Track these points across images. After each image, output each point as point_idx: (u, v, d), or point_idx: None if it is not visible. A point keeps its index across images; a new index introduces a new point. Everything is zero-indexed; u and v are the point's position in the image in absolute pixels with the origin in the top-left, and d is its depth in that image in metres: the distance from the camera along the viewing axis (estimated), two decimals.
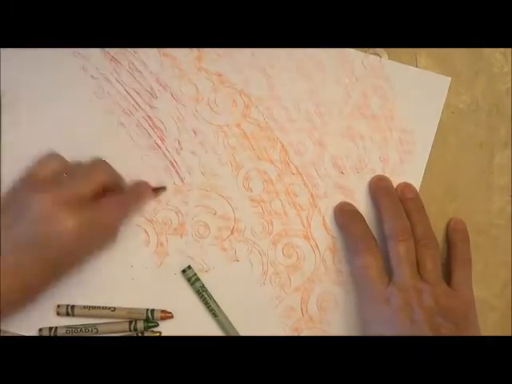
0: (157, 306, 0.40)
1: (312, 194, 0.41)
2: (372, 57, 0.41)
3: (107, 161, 0.39)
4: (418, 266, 0.38)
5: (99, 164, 0.38)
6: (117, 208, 0.37)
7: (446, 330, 0.35)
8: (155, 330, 0.40)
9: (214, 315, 0.40)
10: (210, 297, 0.40)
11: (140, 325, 0.40)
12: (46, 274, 0.35)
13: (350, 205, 0.41)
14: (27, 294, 0.35)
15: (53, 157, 0.38)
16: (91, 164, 0.38)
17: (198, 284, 0.40)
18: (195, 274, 0.40)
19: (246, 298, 0.41)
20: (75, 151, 0.40)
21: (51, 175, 0.36)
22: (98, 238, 0.37)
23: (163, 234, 0.41)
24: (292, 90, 0.41)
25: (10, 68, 0.40)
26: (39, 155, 0.38)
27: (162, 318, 0.40)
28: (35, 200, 0.34)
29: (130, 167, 0.40)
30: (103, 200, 0.36)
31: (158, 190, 0.40)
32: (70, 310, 0.40)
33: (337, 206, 0.41)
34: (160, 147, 0.41)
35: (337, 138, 0.41)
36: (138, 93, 0.41)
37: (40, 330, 0.40)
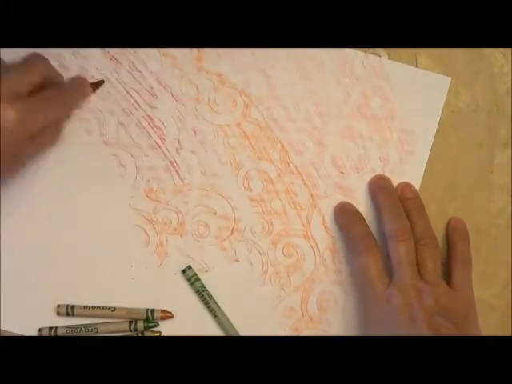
0: (157, 305, 0.40)
1: (312, 194, 0.41)
2: (372, 57, 0.41)
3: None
4: (418, 266, 0.38)
5: (36, 60, 0.37)
6: (56, 101, 0.37)
7: (447, 330, 0.35)
8: (155, 329, 0.40)
9: (214, 315, 0.40)
10: (210, 297, 0.40)
11: (140, 325, 0.40)
12: None
13: (350, 205, 0.41)
14: None
15: None
16: (27, 61, 0.37)
17: (197, 284, 0.40)
18: (195, 274, 0.40)
19: (246, 297, 0.41)
20: (75, 151, 0.40)
21: None
22: (39, 132, 0.36)
23: (163, 233, 0.41)
24: (292, 90, 0.41)
25: None
26: None
27: (162, 318, 0.40)
28: None
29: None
30: (41, 93, 0.36)
31: (96, 85, 0.40)
32: (69, 310, 0.40)
33: (337, 206, 0.41)
34: (160, 147, 0.41)
35: (337, 138, 0.41)
36: (138, 92, 0.41)
37: (40, 329, 0.40)
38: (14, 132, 0.34)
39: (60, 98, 0.38)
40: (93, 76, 0.40)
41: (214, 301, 0.40)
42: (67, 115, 0.40)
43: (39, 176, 0.40)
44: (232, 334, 0.40)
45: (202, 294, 0.40)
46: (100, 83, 0.40)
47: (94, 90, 0.40)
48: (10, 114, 0.33)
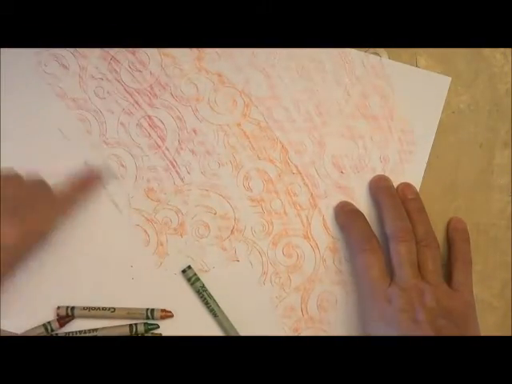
0: (157, 305, 0.40)
1: (312, 194, 0.41)
2: (372, 57, 0.41)
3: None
4: (419, 267, 0.38)
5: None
6: (56, 210, 0.37)
7: (447, 331, 0.35)
8: (155, 332, 0.40)
9: (214, 315, 0.40)
10: (210, 297, 0.40)
11: (141, 328, 0.40)
12: None
13: (351, 204, 0.41)
14: None
15: None
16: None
17: (198, 284, 0.40)
18: (195, 274, 0.40)
19: (246, 297, 0.41)
20: (75, 151, 0.41)
21: None
22: (35, 240, 0.37)
23: (163, 233, 0.41)
24: (292, 90, 0.41)
25: (10, 68, 0.40)
26: None
27: (162, 318, 0.40)
28: None
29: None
30: (45, 203, 0.36)
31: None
32: (69, 312, 0.40)
33: (337, 206, 0.41)
34: (160, 147, 0.41)
35: (337, 138, 0.41)
36: (138, 92, 0.41)
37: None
38: (12, 247, 0.34)
39: (59, 206, 0.38)
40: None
41: (214, 301, 0.40)
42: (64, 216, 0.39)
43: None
44: (232, 334, 0.40)
45: (202, 293, 0.40)
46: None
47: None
48: (9, 233, 0.34)
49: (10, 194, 0.35)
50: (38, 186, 0.37)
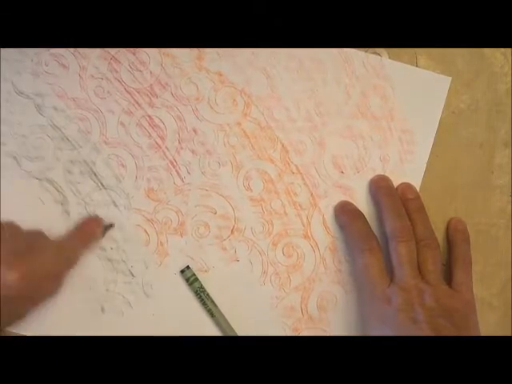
0: (157, 304, 0.40)
1: (312, 194, 0.41)
2: (372, 56, 0.41)
3: None
4: (419, 267, 0.38)
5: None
6: (58, 256, 0.37)
7: (447, 331, 0.35)
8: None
9: (212, 315, 0.40)
10: (208, 297, 0.40)
11: None
12: None
13: (351, 204, 0.41)
14: None
15: None
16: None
17: (196, 284, 0.40)
18: (193, 275, 0.40)
19: (246, 297, 0.41)
20: (76, 150, 0.41)
21: None
22: (39, 288, 0.36)
23: (163, 233, 0.41)
24: (292, 90, 0.41)
25: (10, 68, 0.40)
26: None
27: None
28: None
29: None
30: (40, 248, 0.36)
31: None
32: None
33: (338, 206, 0.41)
34: (160, 146, 0.41)
35: (337, 138, 0.41)
36: (138, 92, 0.41)
37: None
38: (15, 290, 0.34)
39: (63, 252, 0.37)
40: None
41: (212, 301, 0.40)
42: (69, 268, 0.38)
43: (38, 177, 0.40)
44: (229, 334, 0.40)
45: (200, 294, 0.40)
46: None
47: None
48: (10, 275, 0.33)
49: (9, 239, 0.35)
50: (37, 235, 0.37)
